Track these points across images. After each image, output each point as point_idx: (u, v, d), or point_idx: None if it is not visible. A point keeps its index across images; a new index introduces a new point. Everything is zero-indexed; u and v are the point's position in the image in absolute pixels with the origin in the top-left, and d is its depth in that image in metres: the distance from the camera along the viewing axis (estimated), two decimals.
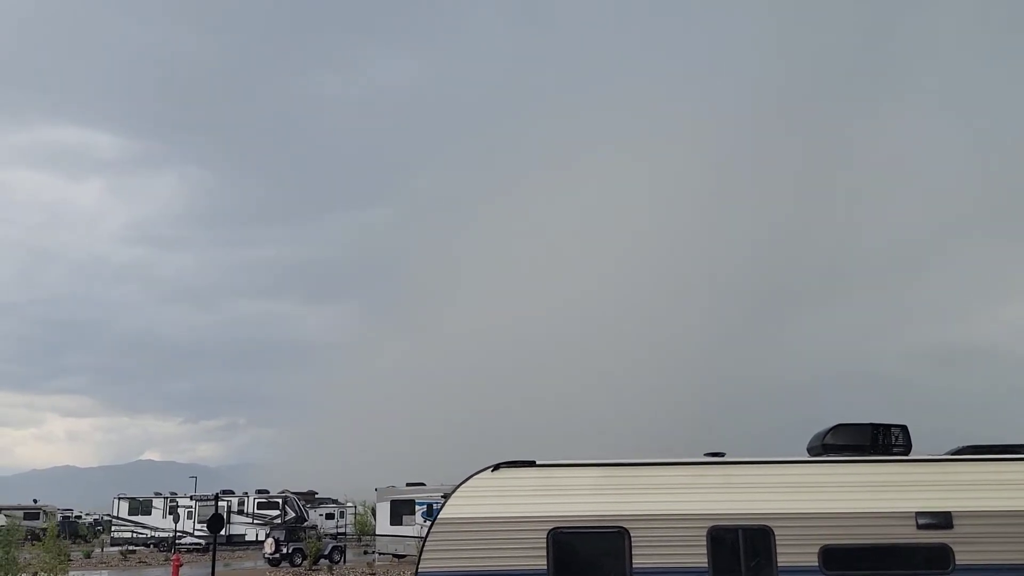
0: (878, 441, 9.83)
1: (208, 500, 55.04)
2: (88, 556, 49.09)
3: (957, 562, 8.90)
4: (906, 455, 9.78)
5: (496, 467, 9.39)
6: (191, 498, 58.97)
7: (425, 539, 9.35)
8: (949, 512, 9.06)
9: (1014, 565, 8.91)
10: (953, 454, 9.73)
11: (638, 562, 8.96)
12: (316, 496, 67.49)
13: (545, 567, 8.97)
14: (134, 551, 53.77)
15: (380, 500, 44.86)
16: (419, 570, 9.16)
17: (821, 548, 8.95)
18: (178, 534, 55.12)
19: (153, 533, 58.37)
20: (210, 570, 27.04)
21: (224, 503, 54.37)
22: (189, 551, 52.43)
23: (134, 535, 58.60)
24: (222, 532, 38.23)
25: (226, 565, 42.07)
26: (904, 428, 9.97)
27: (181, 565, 27.85)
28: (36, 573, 20.69)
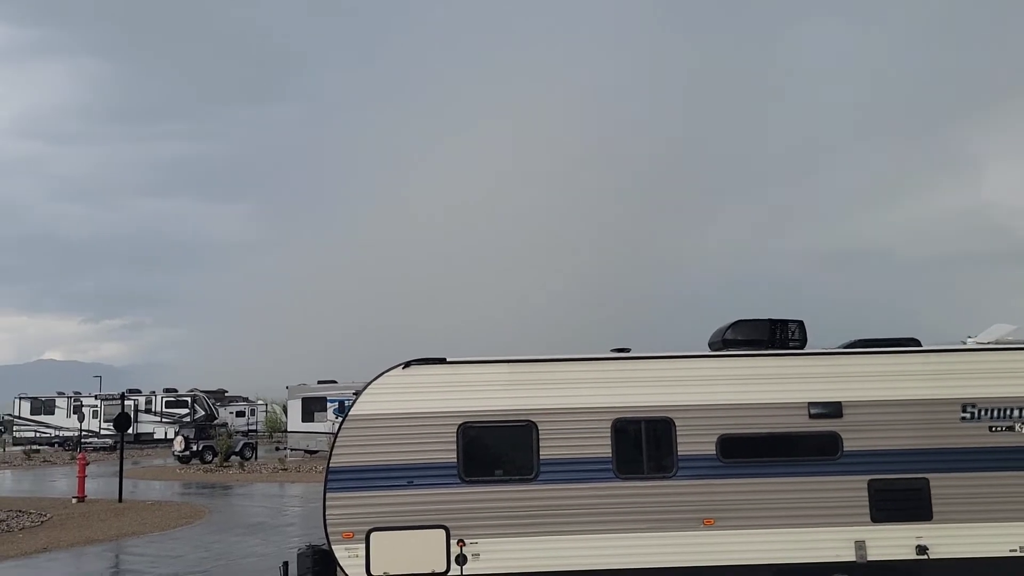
0: (776, 336, 10.23)
1: (114, 399, 54.23)
2: None
3: (845, 448, 9.45)
4: (802, 349, 10.22)
5: (407, 364, 9.49)
6: (96, 397, 58.04)
7: (336, 434, 9.47)
8: (839, 402, 9.56)
9: (896, 450, 9.50)
10: (844, 348, 10.21)
11: (545, 453, 9.27)
12: (226, 394, 67.09)
13: (455, 459, 9.21)
14: (38, 451, 52.91)
15: (292, 398, 44.94)
16: (330, 464, 9.30)
17: (719, 437, 9.39)
18: (84, 433, 54.37)
19: (57, 432, 57.45)
20: (118, 468, 26.85)
21: (131, 402, 53.71)
22: (96, 450, 51.86)
23: (37, 435, 57.57)
24: (129, 431, 37.85)
25: (135, 463, 41.82)
26: (800, 323, 10.39)
27: (87, 464, 27.52)
28: None
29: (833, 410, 9.55)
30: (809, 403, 9.56)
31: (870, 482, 9.41)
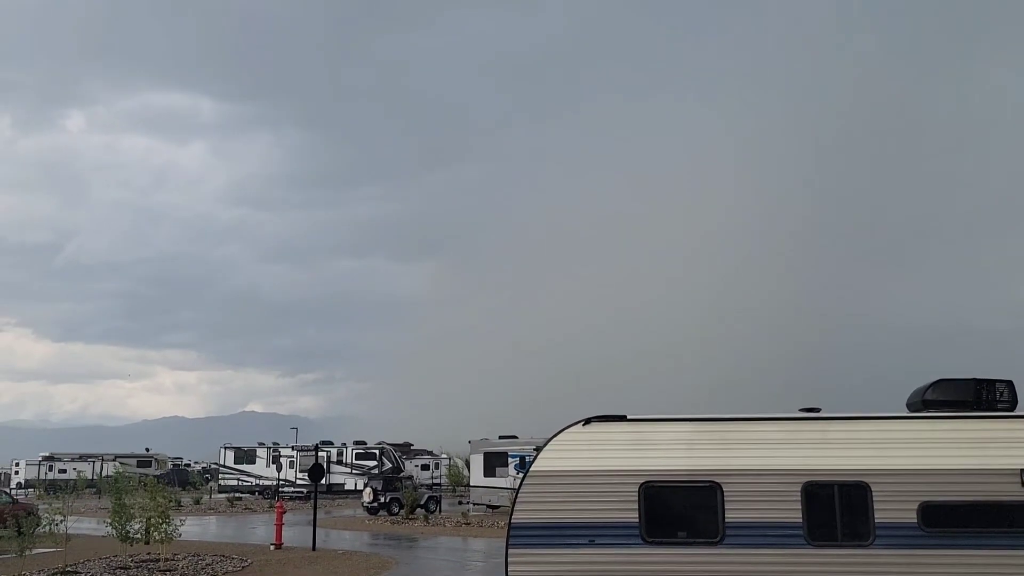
0: (982, 397, 9.55)
1: (309, 450, 56.79)
2: (197, 503, 51.32)
3: None
4: (1012, 411, 9.48)
5: (587, 421, 9.46)
6: (293, 448, 60.94)
7: (518, 491, 9.51)
8: None
9: None
10: None
11: (731, 516, 8.95)
12: (412, 447, 68.96)
13: (637, 520, 9.04)
14: (240, 498, 55.96)
15: (474, 452, 45.58)
16: (512, 521, 9.34)
17: (921, 504, 8.79)
18: (281, 482, 57.09)
19: (257, 481, 60.58)
20: (311, 517, 27.98)
21: (324, 453, 56.06)
22: (292, 499, 54.25)
23: (240, 483, 60.93)
24: (322, 481, 39.46)
25: (327, 513, 43.42)
26: (1010, 383, 9.66)
27: (284, 512, 28.84)
28: (149, 518, 21.71)
29: None
30: (1022, 470, 8.81)
31: None
